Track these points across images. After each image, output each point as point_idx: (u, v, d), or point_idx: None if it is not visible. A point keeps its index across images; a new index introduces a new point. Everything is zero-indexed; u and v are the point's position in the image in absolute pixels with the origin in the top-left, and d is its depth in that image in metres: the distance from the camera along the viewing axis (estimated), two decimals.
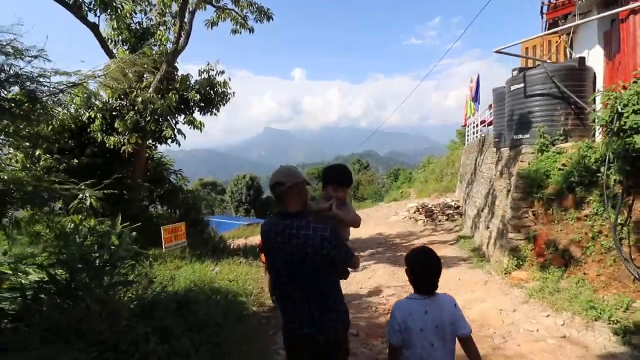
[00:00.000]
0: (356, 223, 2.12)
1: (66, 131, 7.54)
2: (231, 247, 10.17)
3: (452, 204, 12.88)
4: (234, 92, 8.30)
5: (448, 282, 5.76)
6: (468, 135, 15.03)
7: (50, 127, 7.28)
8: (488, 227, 7.08)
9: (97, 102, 7.86)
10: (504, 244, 5.82)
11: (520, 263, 5.30)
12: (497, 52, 6.23)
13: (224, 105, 8.43)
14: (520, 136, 5.97)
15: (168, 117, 7.31)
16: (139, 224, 4.96)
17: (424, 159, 28.26)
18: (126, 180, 8.27)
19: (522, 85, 5.96)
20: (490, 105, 9.61)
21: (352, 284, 6.04)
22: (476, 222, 8.79)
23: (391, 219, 14.32)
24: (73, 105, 7.74)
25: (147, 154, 9.18)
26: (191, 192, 10.12)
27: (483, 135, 9.80)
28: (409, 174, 26.75)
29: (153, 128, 7.03)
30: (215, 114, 8.54)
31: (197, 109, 8.33)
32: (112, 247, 3.50)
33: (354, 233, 12.12)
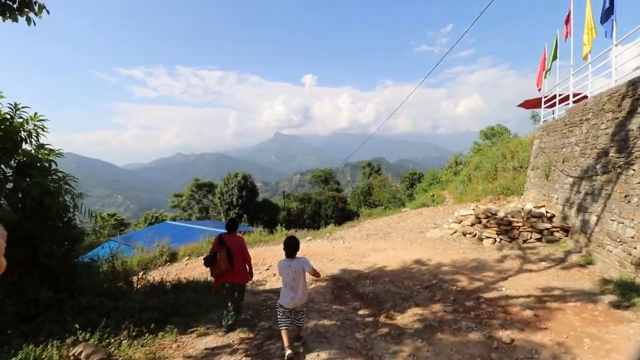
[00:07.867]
0: None
1: None
2: (147, 284, 5.08)
3: (542, 211, 7.55)
4: None
5: None
6: (549, 108, 9.75)
7: None
8: None
9: None
10: None
11: None
12: None
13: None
14: None
15: None
16: None
17: (452, 157, 22.96)
18: None
19: None
20: None
21: None
22: None
23: (431, 234, 9.02)
24: None
25: None
26: (61, 175, 4.93)
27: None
28: (436, 174, 21.29)
29: None
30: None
31: None
32: None
33: (373, 259, 6.42)
